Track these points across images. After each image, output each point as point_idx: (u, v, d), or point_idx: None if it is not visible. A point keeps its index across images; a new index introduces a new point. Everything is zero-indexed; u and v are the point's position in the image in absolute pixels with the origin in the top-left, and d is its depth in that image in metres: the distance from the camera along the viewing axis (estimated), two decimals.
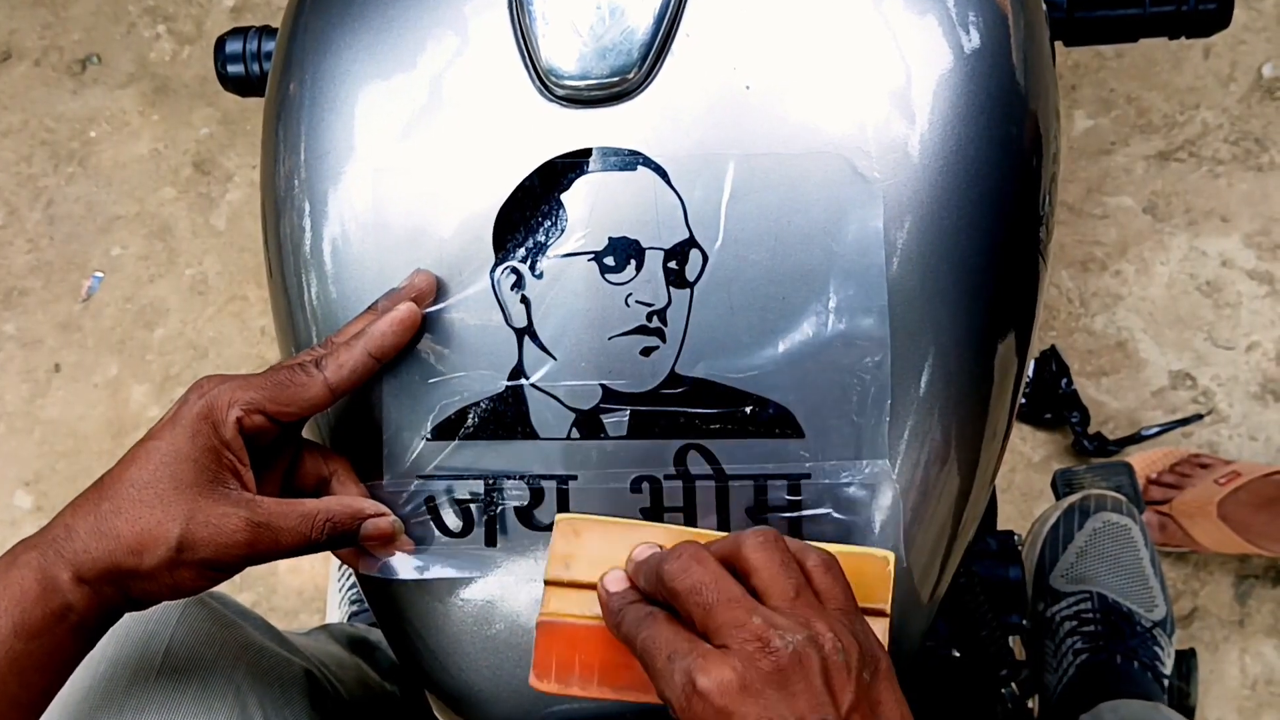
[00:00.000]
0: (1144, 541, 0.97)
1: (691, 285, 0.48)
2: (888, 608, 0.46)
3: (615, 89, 0.48)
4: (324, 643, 0.73)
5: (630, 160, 0.48)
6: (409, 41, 0.51)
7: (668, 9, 0.48)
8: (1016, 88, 0.49)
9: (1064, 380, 1.23)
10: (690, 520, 0.49)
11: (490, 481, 0.50)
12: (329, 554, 0.52)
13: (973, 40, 0.48)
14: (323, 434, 0.54)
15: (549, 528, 0.49)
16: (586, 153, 0.49)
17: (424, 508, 0.51)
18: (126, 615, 0.49)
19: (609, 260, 0.49)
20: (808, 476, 0.48)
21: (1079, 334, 1.27)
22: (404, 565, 0.51)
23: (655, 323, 0.48)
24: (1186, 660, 0.95)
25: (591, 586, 0.47)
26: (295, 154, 0.53)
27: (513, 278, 0.49)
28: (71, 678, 0.48)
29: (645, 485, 0.49)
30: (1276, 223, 1.27)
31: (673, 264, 0.48)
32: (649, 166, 0.48)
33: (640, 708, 0.46)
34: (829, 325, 0.48)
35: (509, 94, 0.50)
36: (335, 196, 0.51)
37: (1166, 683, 0.92)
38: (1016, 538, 0.82)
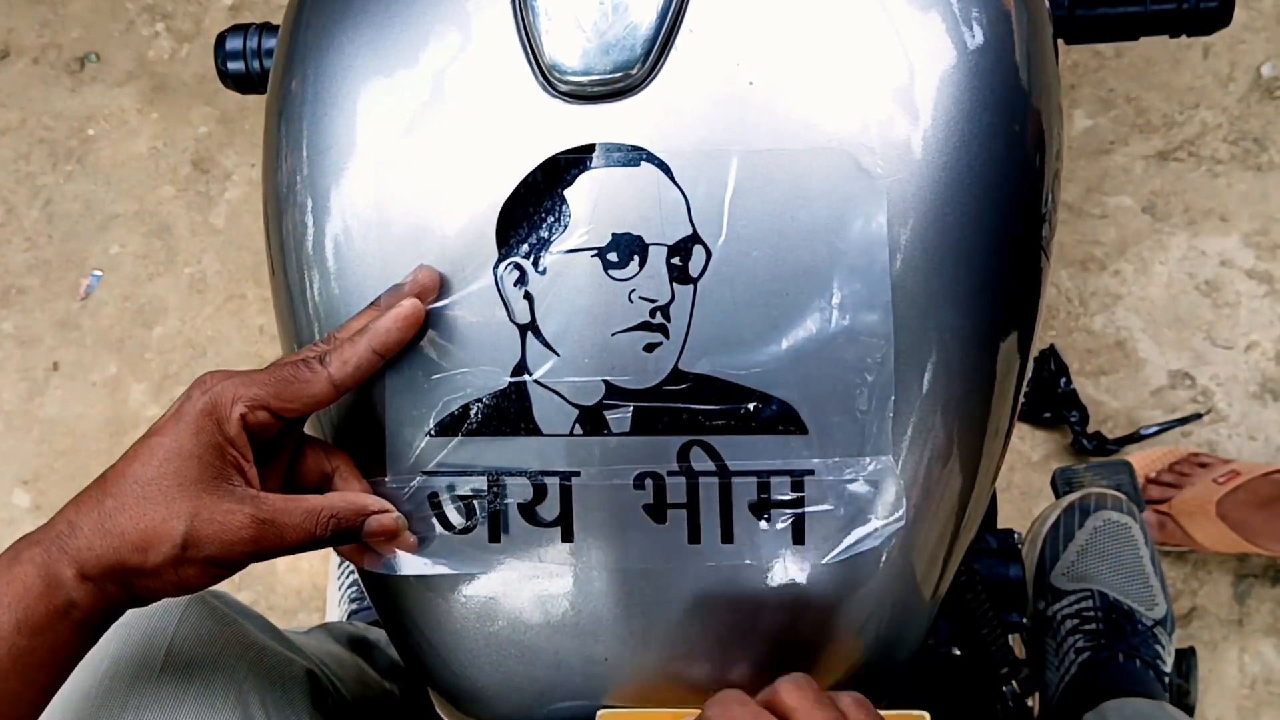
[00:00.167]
0: (1144, 540, 0.97)
1: (695, 281, 0.48)
2: None
3: (618, 85, 0.48)
4: (324, 642, 0.73)
5: (633, 156, 0.48)
6: (411, 37, 0.51)
7: (671, 5, 0.48)
8: (1020, 85, 0.49)
9: (1063, 379, 1.23)
10: (693, 517, 0.49)
11: (493, 478, 0.50)
12: (328, 552, 0.52)
13: (976, 37, 0.48)
14: (325, 430, 0.54)
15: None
16: (590, 148, 0.49)
17: (426, 504, 0.51)
18: (129, 612, 0.48)
19: (612, 256, 0.48)
20: (811, 473, 0.48)
21: (1078, 333, 1.27)
22: (406, 561, 0.51)
23: (658, 319, 0.48)
24: (1186, 659, 0.95)
25: None
26: (297, 150, 0.53)
27: (516, 273, 0.49)
28: (73, 675, 0.48)
29: (648, 481, 0.49)
30: (1275, 222, 1.27)
31: (676, 260, 0.48)
32: (652, 162, 0.48)
33: None
34: (832, 321, 0.48)
35: (512, 90, 0.50)
36: (337, 193, 0.51)
37: (1167, 681, 0.92)
38: (1016, 536, 0.82)
